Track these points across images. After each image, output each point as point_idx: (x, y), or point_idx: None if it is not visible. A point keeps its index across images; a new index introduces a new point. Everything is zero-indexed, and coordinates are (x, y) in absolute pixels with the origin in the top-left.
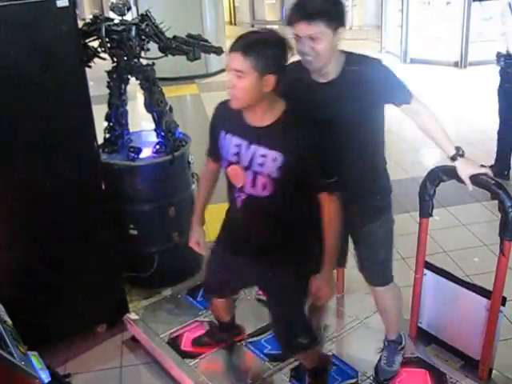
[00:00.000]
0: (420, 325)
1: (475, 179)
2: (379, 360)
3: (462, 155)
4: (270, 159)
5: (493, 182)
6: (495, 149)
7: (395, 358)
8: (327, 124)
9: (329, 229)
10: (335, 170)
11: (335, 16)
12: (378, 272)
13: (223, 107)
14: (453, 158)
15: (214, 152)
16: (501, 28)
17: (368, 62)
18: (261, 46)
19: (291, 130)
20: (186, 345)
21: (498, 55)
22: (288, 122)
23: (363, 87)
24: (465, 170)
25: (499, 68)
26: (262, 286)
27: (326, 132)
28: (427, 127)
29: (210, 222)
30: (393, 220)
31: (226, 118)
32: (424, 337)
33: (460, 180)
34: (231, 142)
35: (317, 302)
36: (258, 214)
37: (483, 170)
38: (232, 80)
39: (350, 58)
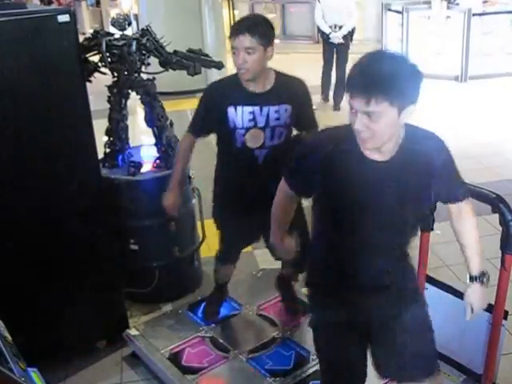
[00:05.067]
0: None
1: (474, 192)
2: None
3: (482, 281)
4: (282, 111)
5: (493, 195)
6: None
7: None
8: None
9: None
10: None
11: (399, 93)
12: None
13: (218, 86)
14: (471, 279)
15: (200, 128)
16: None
17: (430, 143)
18: (261, 25)
19: (287, 86)
20: (186, 360)
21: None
22: (283, 82)
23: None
24: (472, 297)
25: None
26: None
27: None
28: (464, 237)
29: (210, 237)
30: None
31: (229, 94)
32: None
33: None
34: (243, 111)
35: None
36: (277, 163)
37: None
38: (243, 57)
39: (411, 133)
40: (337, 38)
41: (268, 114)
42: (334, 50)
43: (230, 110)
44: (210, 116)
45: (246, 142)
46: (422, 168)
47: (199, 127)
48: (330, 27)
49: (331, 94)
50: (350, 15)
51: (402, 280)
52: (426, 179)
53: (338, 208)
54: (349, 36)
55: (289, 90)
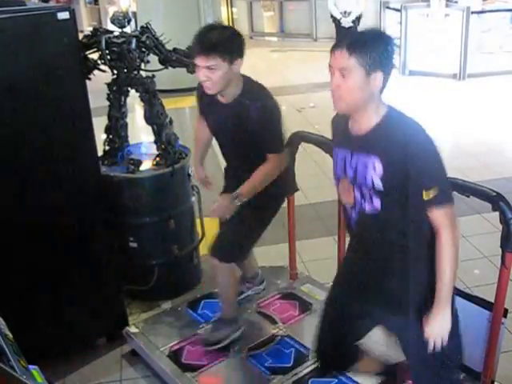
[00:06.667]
0: None
1: (475, 191)
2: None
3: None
4: (371, 168)
5: (494, 193)
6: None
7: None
8: None
9: (440, 255)
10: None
11: (230, 50)
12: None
13: (336, 121)
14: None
15: None
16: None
17: (255, 102)
18: (367, 42)
19: (391, 133)
20: (186, 358)
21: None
22: (388, 125)
23: (244, 122)
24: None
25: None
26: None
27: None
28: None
29: (209, 235)
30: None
31: (337, 131)
32: None
33: (461, 192)
34: (338, 156)
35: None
36: (374, 235)
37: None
38: (336, 80)
39: (249, 90)
40: (347, 22)
41: (356, 166)
42: (344, 34)
43: (334, 149)
44: None
45: (339, 194)
46: (245, 118)
47: None
48: (341, 13)
49: None
50: (357, 3)
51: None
52: (246, 127)
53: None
54: (356, 21)
55: (386, 139)
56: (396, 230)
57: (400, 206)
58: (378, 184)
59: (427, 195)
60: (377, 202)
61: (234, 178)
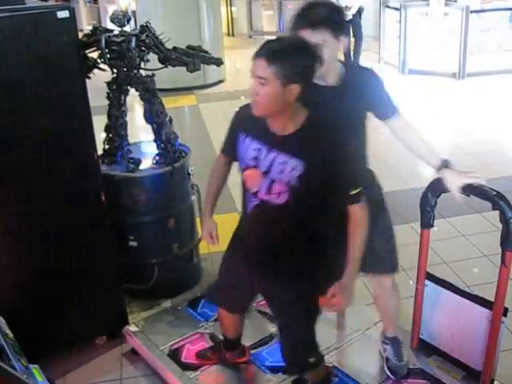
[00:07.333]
0: (421, 336)
1: (475, 190)
2: (387, 361)
3: (448, 166)
4: (289, 167)
5: (494, 192)
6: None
7: (402, 351)
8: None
9: (354, 236)
10: (360, 178)
11: (339, 25)
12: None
13: (246, 110)
14: (439, 169)
15: (228, 150)
16: None
17: (363, 71)
18: (287, 54)
19: (313, 137)
20: (186, 357)
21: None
22: (310, 130)
23: (358, 93)
24: (455, 180)
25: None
26: (268, 300)
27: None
28: (409, 141)
29: None
30: None
31: (248, 121)
32: (425, 348)
33: (462, 191)
34: (250, 146)
35: (329, 311)
36: (268, 221)
37: (475, 180)
38: (255, 87)
39: (346, 64)
40: (347, 16)
41: (273, 162)
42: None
43: (241, 136)
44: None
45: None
46: (364, 88)
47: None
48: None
49: None
50: None
51: None
52: (366, 100)
53: None
54: (357, 15)
55: (310, 142)
56: (294, 220)
57: (304, 201)
58: (295, 182)
59: (354, 192)
60: (284, 197)
61: None
